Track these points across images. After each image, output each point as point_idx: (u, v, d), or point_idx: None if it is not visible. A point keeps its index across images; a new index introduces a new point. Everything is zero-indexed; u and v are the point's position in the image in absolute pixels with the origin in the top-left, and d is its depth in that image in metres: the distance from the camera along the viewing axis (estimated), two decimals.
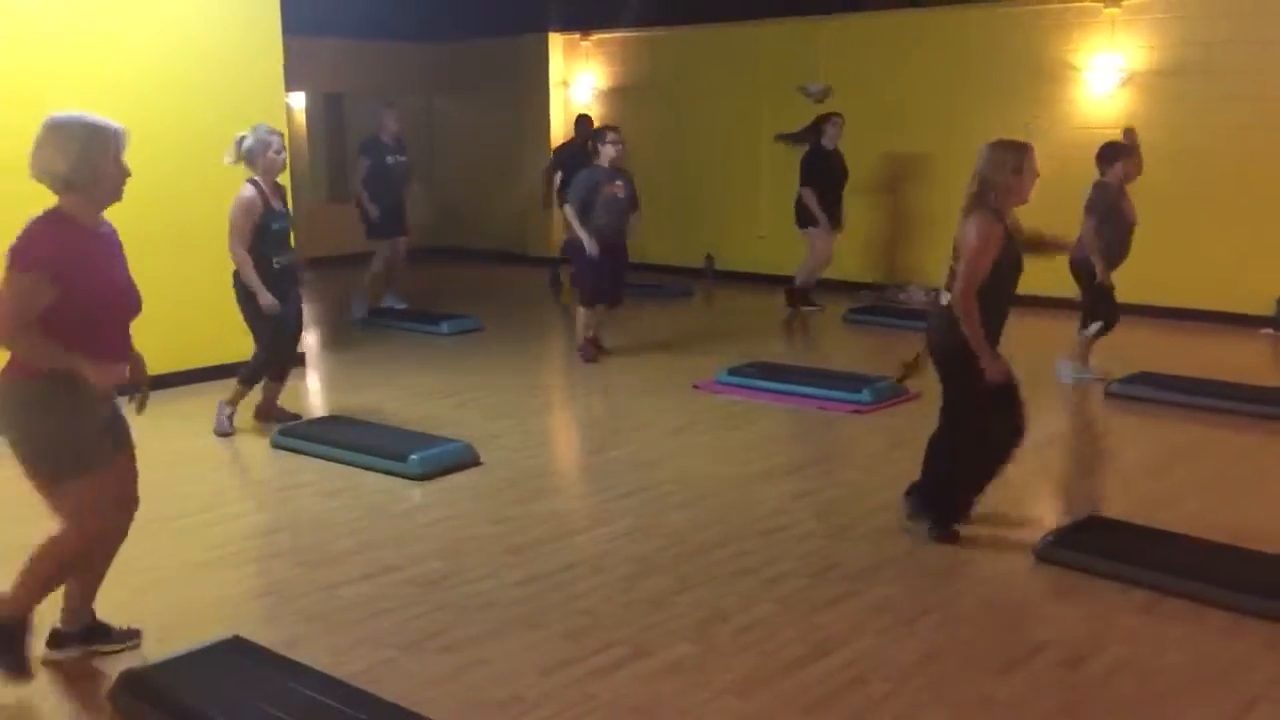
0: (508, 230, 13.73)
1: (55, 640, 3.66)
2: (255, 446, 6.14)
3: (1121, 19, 9.70)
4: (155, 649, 3.61)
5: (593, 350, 8.30)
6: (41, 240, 3.24)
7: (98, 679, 3.49)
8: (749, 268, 11.92)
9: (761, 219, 11.90)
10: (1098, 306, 7.16)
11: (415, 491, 5.40)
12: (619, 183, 8.06)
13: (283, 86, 7.86)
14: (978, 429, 4.63)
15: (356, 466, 5.68)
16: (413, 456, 5.56)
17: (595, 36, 13.12)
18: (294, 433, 6.11)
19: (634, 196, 8.21)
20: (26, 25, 6.69)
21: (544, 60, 13.26)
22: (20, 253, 3.21)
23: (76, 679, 3.55)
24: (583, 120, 11.54)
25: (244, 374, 6.32)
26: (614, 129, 8.21)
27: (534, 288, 12.20)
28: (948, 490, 4.73)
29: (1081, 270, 7.07)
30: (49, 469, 3.32)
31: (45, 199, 3.34)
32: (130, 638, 3.73)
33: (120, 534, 3.64)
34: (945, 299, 4.64)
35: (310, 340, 6.67)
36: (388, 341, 9.10)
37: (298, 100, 13.49)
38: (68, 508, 3.35)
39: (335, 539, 4.80)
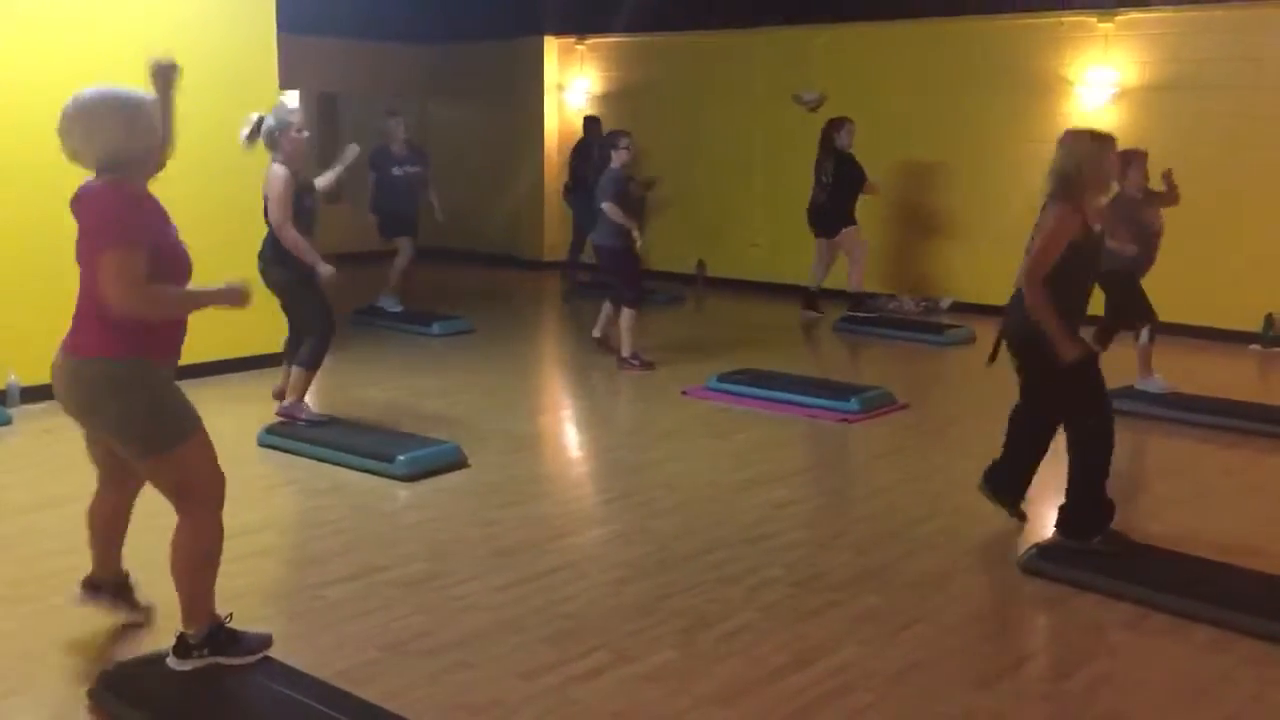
0: (501, 234, 13.71)
1: (89, 584, 3.77)
2: (242, 444, 6.11)
3: (1115, 34, 9.74)
4: (136, 647, 3.58)
5: (645, 360, 8.14)
6: (127, 213, 3.20)
7: (77, 678, 3.46)
8: (741, 275, 11.92)
9: (754, 226, 11.91)
10: (1134, 314, 7.09)
11: (402, 492, 5.39)
12: (632, 184, 8.16)
13: (277, 85, 7.85)
14: (1080, 417, 4.67)
15: (343, 467, 5.67)
16: (400, 457, 5.54)
17: (591, 41, 13.13)
18: (281, 432, 6.09)
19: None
20: (19, 20, 6.66)
21: (539, 64, 13.26)
22: (113, 224, 3.16)
23: (55, 677, 3.52)
24: (591, 122, 11.57)
25: (306, 359, 6.18)
26: (626, 134, 8.23)
27: (526, 291, 12.20)
28: (1088, 493, 4.66)
29: (1112, 283, 6.88)
30: (160, 441, 3.30)
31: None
32: (264, 645, 3.58)
33: (130, 498, 3.77)
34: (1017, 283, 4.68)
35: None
36: (378, 342, 9.09)
37: (292, 100, 13.46)
38: (181, 477, 3.36)
39: (320, 539, 4.78)
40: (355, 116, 11.77)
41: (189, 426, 3.37)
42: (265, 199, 6.01)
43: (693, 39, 12.23)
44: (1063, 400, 4.66)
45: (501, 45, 13.40)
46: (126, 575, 3.84)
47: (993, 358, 4.85)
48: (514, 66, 13.43)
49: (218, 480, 3.46)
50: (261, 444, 6.04)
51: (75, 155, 3.26)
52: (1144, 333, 7.18)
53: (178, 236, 3.41)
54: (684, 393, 7.40)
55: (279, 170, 5.95)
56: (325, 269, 5.98)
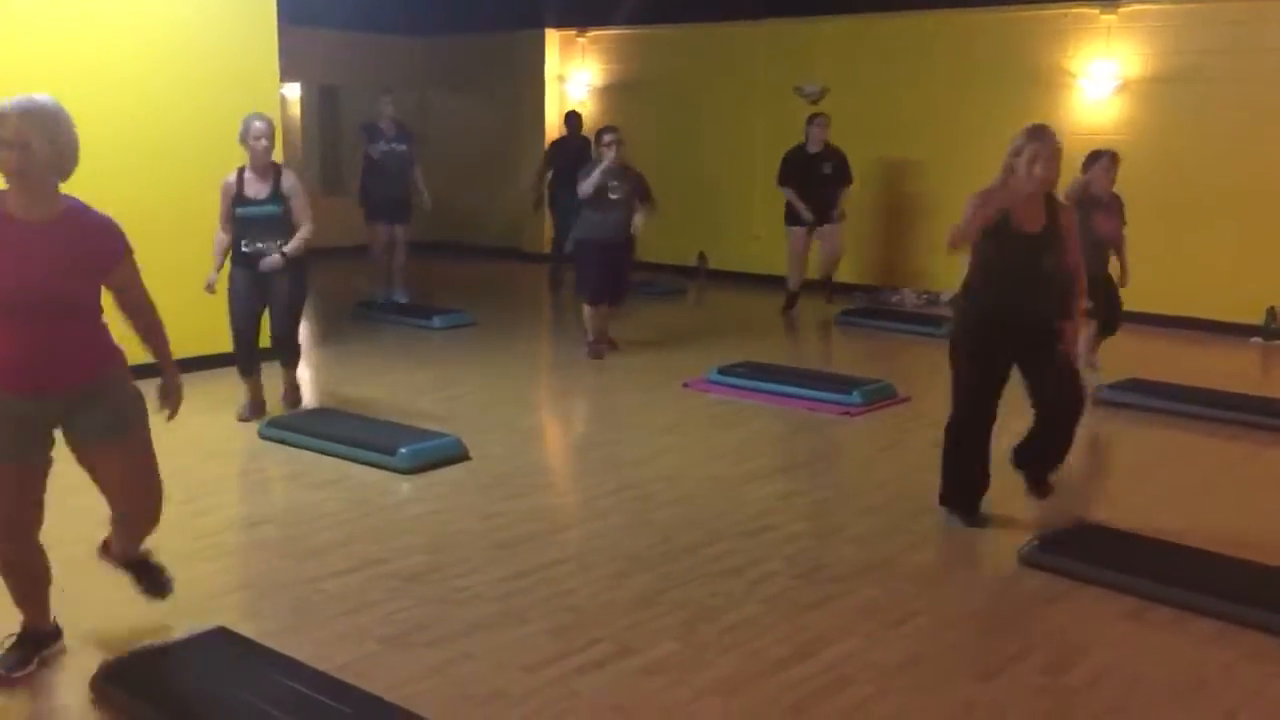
0: (502, 226, 13.70)
1: (105, 547, 3.79)
2: (242, 437, 6.13)
3: (1118, 26, 9.72)
4: (138, 639, 3.59)
5: (601, 347, 8.26)
6: None
7: (79, 669, 3.46)
8: (742, 267, 11.92)
9: (755, 218, 11.90)
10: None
11: (403, 485, 5.39)
12: (614, 183, 8.04)
13: (277, 77, 7.84)
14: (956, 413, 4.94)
15: (345, 459, 5.67)
16: (401, 450, 5.55)
17: (592, 33, 13.11)
18: (281, 424, 6.10)
19: (643, 193, 8.20)
20: (16, 12, 6.65)
21: (540, 56, 13.24)
22: None
23: (57, 669, 3.53)
24: (572, 117, 11.52)
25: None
26: (612, 129, 8.19)
27: (527, 284, 12.20)
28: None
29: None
30: None
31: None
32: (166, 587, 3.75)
33: (123, 524, 3.62)
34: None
35: (301, 332, 6.63)
36: (379, 335, 9.09)
37: (293, 92, 13.46)
38: None
39: (322, 531, 4.79)
40: (357, 109, 11.74)
41: None
42: None
43: (694, 31, 12.21)
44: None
45: (503, 37, 13.38)
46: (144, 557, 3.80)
47: None
48: (515, 59, 13.41)
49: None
50: (263, 437, 6.04)
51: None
52: (1092, 325, 7.16)
53: (24, 268, 3.17)
54: (685, 385, 7.40)
55: (228, 177, 6.12)
56: (208, 279, 6.13)
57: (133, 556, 3.76)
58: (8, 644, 3.50)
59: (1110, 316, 7.31)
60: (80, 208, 3.31)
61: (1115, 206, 7.09)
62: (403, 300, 10.06)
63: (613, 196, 8.03)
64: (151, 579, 3.79)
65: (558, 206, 11.27)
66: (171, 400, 3.53)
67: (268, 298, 6.26)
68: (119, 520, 3.61)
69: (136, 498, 3.54)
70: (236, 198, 6.08)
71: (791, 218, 10.00)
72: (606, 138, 8.07)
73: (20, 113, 3.17)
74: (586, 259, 8.17)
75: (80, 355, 3.31)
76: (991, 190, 4.66)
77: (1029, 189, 4.64)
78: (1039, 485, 5.06)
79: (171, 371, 3.55)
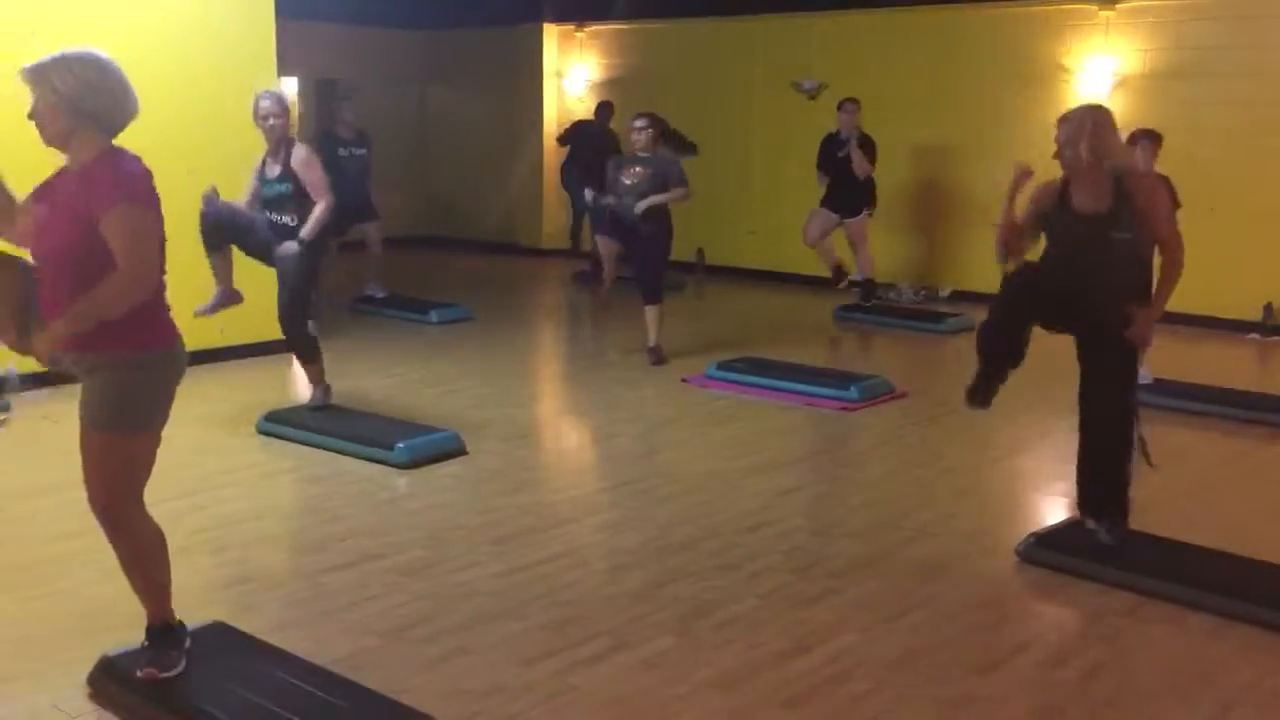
0: (500, 221, 13.70)
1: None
2: (241, 432, 6.12)
3: (1116, 21, 9.72)
4: (136, 634, 3.59)
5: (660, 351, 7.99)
6: (144, 172, 3.16)
7: (76, 664, 3.46)
8: (739, 263, 11.91)
9: (753, 214, 11.89)
10: None
11: (401, 480, 5.39)
12: (637, 169, 7.83)
13: (275, 71, 7.82)
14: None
15: (342, 454, 5.67)
16: (399, 445, 5.54)
17: (590, 28, 13.09)
18: (279, 419, 6.09)
19: (679, 176, 7.95)
20: (12, 6, 6.64)
21: (538, 51, 13.22)
22: (134, 185, 3.10)
23: (54, 664, 3.53)
24: (604, 107, 11.51)
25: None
26: (643, 115, 7.98)
27: (525, 278, 12.19)
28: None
29: None
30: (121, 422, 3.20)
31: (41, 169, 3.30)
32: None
33: None
34: None
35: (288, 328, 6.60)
36: (376, 329, 9.08)
37: (291, 86, 13.43)
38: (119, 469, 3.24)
39: (319, 526, 4.79)
40: (355, 102, 11.73)
41: (157, 418, 3.26)
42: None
43: (692, 26, 12.19)
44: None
45: (501, 32, 13.36)
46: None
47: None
48: (513, 53, 13.39)
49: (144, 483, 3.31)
50: (260, 431, 6.04)
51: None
52: None
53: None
54: (683, 380, 7.40)
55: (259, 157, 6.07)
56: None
57: None
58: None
59: None
60: (104, 159, 3.16)
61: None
62: (379, 295, 10.00)
63: (626, 182, 7.79)
64: None
65: (570, 186, 11.25)
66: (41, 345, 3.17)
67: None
68: None
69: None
70: (259, 173, 6.06)
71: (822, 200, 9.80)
72: (639, 123, 7.87)
73: (27, 71, 3.17)
74: (664, 250, 8.04)
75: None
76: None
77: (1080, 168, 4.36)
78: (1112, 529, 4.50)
79: (69, 319, 3.08)
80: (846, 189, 9.65)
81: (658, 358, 7.87)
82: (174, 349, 3.27)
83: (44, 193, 3.21)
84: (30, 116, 3.14)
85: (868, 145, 9.56)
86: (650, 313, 7.96)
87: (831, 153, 9.69)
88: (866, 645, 3.73)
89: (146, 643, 3.34)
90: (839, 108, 9.70)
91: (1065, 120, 4.41)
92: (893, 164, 10.80)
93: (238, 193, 6.07)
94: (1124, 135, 7.02)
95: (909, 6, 10.74)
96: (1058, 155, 4.44)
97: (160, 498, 4.95)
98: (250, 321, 7.17)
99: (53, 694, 3.35)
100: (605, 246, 8.06)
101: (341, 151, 9.72)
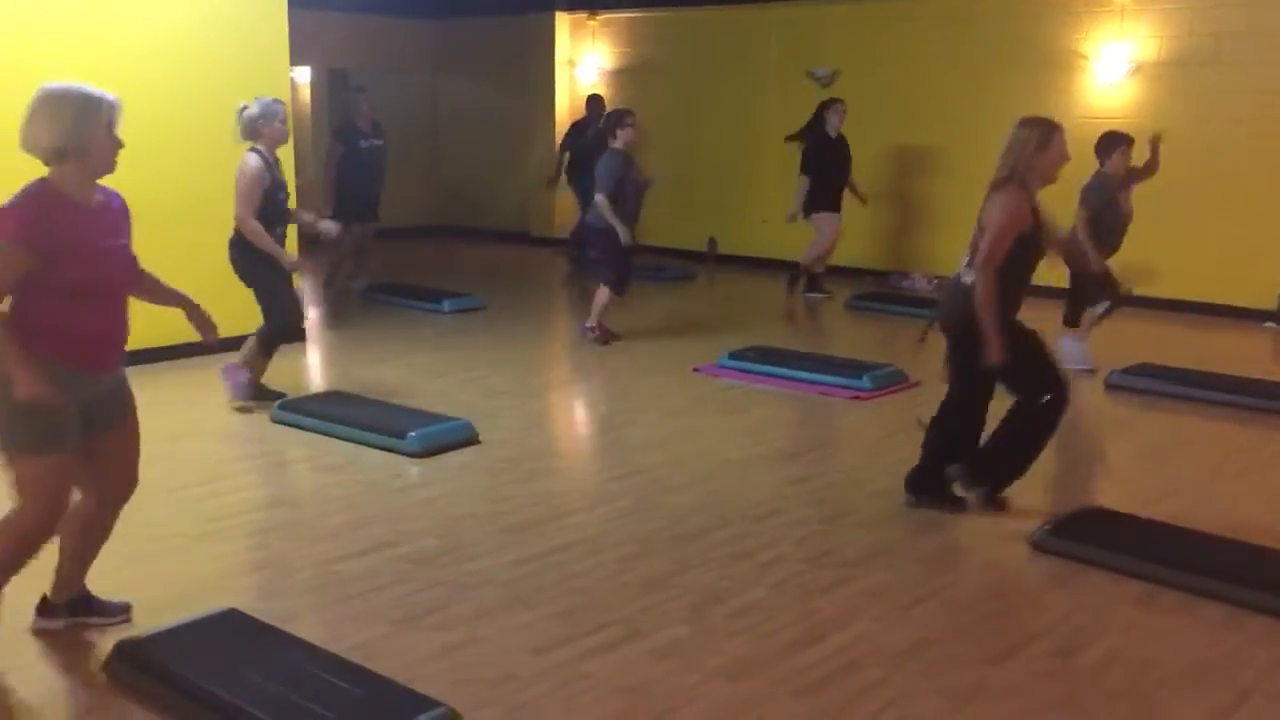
0: (512, 210, 13.70)
1: (44, 608, 3.65)
2: (255, 420, 6.14)
3: (1131, 8, 9.66)
4: (150, 620, 3.61)
5: (608, 334, 8.24)
6: (20, 209, 3.20)
7: (92, 649, 3.49)
8: (752, 251, 11.89)
9: (765, 203, 11.86)
10: (1093, 291, 7.10)
11: (413, 468, 5.40)
12: (635, 169, 8.06)
13: (288, 60, 7.83)
14: (966, 406, 4.81)
15: (355, 442, 5.68)
16: (411, 434, 5.56)
17: (602, 16, 13.06)
18: (293, 407, 6.11)
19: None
20: None
21: (550, 39, 13.20)
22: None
23: (71, 649, 3.55)
24: (594, 100, 11.52)
25: (259, 343, 6.29)
26: (630, 112, 8.15)
27: (537, 267, 12.20)
28: (1020, 461, 4.83)
29: (1073, 259, 6.92)
30: (5, 446, 3.29)
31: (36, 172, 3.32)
32: (119, 612, 3.70)
33: (110, 510, 3.60)
34: (968, 277, 4.60)
35: (311, 316, 6.65)
36: (389, 318, 9.10)
37: (303, 75, 13.45)
38: (24, 487, 3.30)
39: (333, 514, 4.80)
40: (346, 108, 11.70)
41: (35, 448, 3.26)
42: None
43: (705, 14, 12.16)
44: (969, 383, 4.76)
45: (513, 20, 13.34)
46: (85, 591, 3.71)
47: (922, 339, 5.07)
48: (525, 42, 13.37)
49: (47, 507, 3.34)
50: (274, 420, 6.06)
51: (29, 148, 3.27)
52: (1102, 305, 7.15)
53: (112, 246, 3.35)
54: (695, 370, 7.40)
55: (251, 162, 6.01)
56: (289, 258, 6.13)
57: (80, 584, 3.70)
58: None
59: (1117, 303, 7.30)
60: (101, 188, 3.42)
61: (1127, 185, 7.12)
62: (364, 285, 10.04)
63: (638, 181, 8.03)
64: (101, 606, 3.72)
65: (578, 189, 11.28)
66: (208, 323, 3.71)
67: None
68: (100, 510, 3.58)
69: (134, 470, 3.61)
70: (272, 181, 6.07)
71: (828, 203, 9.86)
72: (628, 120, 8.02)
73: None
74: (614, 247, 8.06)
75: (125, 335, 3.46)
76: (1014, 206, 4.47)
77: (1048, 183, 4.56)
78: (999, 500, 4.90)
79: (193, 303, 3.70)
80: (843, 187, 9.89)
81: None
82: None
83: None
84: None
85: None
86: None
87: (835, 153, 9.77)
88: (878, 634, 3.73)
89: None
90: (830, 108, 9.78)
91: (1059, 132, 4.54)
92: (907, 152, 10.77)
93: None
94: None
95: None
96: (1059, 168, 4.53)
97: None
98: (254, 316, 7.20)
99: (69, 679, 3.37)
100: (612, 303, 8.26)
101: (363, 144, 9.85)
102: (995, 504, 4.84)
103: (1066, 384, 4.76)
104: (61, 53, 6.61)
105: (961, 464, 4.86)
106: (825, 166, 9.80)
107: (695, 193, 12.33)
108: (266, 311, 6.23)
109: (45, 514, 3.34)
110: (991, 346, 4.46)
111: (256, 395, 6.28)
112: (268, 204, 6.02)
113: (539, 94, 13.33)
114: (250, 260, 6.09)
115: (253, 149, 6.05)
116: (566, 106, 13.24)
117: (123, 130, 3.34)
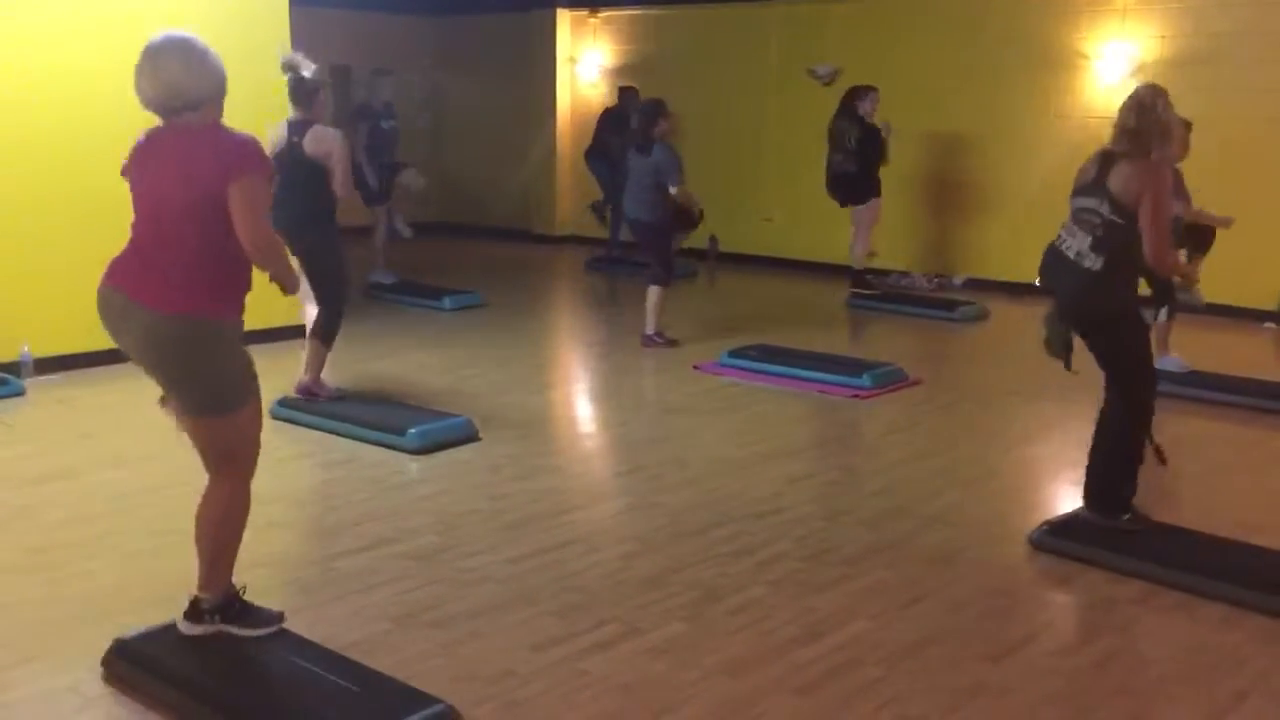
0: (513, 207, 13.70)
1: (194, 612, 3.45)
2: None
3: (1133, 8, 9.65)
4: (149, 617, 3.61)
5: (668, 338, 8.07)
6: (258, 143, 3.28)
7: (91, 647, 3.48)
8: (753, 250, 11.89)
9: (767, 201, 11.87)
10: (1154, 290, 6.92)
11: (413, 465, 5.41)
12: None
13: None
14: (1145, 395, 4.40)
15: (355, 439, 5.69)
16: (411, 431, 5.56)
17: (604, 13, 13.06)
18: (293, 404, 6.11)
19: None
20: None
21: (551, 36, 13.19)
22: (255, 154, 3.22)
23: (70, 647, 3.55)
24: (627, 91, 11.50)
25: (320, 333, 6.16)
26: (664, 103, 8.07)
27: (538, 265, 12.20)
28: (1122, 468, 4.47)
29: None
30: (222, 403, 3.26)
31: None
32: (274, 621, 3.51)
33: None
34: (1090, 262, 4.27)
35: (311, 312, 6.64)
36: (389, 315, 9.10)
37: (305, 72, 13.42)
38: (231, 442, 3.31)
39: (332, 511, 4.81)
40: (368, 89, 11.72)
41: (251, 391, 3.34)
42: (306, 160, 5.79)
43: (706, 12, 12.15)
44: (1138, 369, 4.40)
45: (514, 18, 13.34)
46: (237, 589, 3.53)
47: (1068, 363, 4.41)
48: (526, 39, 13.37)
49: (258, 452, 3.42)
50: (275, 416, 6.05)
51: (146, 99, 3.25)
52: (1162, 312, 7.12)
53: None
54: (696, 368, 7.40)
55: (336, 134, 5.83)
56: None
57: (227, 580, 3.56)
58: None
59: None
60: None
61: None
62: (388, 280, 10.06)
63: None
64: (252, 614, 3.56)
65: (599, 174, 11.29)
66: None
67: None
68: None
69: None
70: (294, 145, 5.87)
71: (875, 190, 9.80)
72: (666, 111, 7.95)
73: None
74: (666, 243, 8.08)
75: None
76: (1163, 177, 4.24)
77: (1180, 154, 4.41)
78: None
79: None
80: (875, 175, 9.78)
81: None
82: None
83: None
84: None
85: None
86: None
87: (877, 140, 9.69)
88: (878, 632, 3.73)
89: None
90: (864, 98, 9.61)
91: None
92: (908, 150, 10.76)
93: None
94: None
95: None
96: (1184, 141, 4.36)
97: (174, 482, 4.98)
98: (263, 307, 7.19)
99: (69, 676, 3.37)
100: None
101: (385, 125, 10.01)
102: (1141, 520, 4.50)
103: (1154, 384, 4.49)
104: (62, 50, 6.61)
105: (1089, 506, 4.54)
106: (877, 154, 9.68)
107: (697, 190, 12.25)
108: (324, 295, 6.00)
109: (255, 463, 3.39)
110: (1189, 274, 4.50)
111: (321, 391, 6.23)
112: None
113: (540, 91, 13.32)
114: (332, 239, 5.95)
115: (316, 122, 5.85)
116: (568, 104, 13.23)
117: (125, 126, 3.35)
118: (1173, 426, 6.33)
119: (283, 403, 6.12)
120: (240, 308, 3.31)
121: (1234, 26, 9.21)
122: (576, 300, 10.81)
